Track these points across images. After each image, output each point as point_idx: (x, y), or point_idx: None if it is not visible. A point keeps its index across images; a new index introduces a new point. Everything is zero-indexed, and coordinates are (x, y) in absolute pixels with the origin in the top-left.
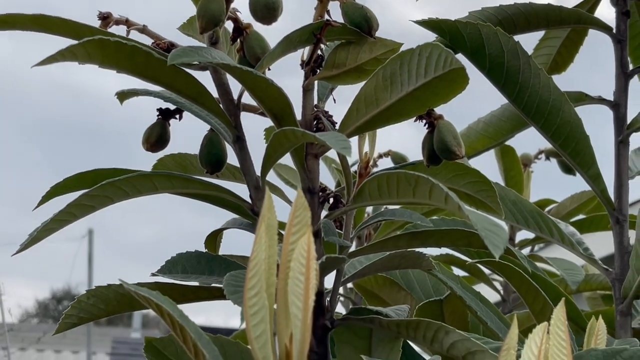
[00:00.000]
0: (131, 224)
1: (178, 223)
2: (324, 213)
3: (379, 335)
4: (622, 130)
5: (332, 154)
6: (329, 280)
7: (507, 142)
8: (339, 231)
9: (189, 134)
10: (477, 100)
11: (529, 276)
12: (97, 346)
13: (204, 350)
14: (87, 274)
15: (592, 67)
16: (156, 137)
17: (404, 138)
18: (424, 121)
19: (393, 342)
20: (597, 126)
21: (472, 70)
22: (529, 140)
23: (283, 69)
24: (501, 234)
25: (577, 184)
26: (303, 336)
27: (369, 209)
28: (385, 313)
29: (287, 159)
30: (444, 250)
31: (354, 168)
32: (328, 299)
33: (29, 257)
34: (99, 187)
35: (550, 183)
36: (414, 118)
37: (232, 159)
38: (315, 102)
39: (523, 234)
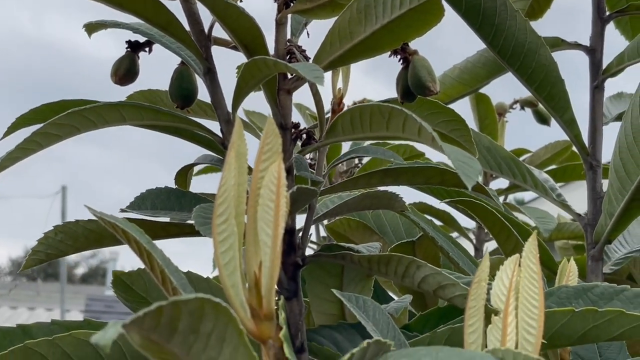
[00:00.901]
0: (105, 183)
1: (153, 184)
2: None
3: (350, 274)
4: (598, 75)
5: (306, 100)
6: (301, 221)
7: (483, 91)
8: (312, 171)
9: (160, 75)
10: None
11: (502, 216)
12: (71, 304)
13: (172, 277)
14: None
15: (569, 15)
16: (125, 70)
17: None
18: (399, 57)
19: (364, 281)
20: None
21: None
22: (504, 91)
23: (255, 5)
24: (474, 166)
25: (552, 136)
26: (272, 264)
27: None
28: (356, 249)
29: (258, 106)
30: (419, 198)
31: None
32: (300, 236)
33: (2, 215)
34: (66, 116)
35: (525, 134)
36: (389, 53)
37: (203, 95)
38: (289, 37)
39: (497, 184)
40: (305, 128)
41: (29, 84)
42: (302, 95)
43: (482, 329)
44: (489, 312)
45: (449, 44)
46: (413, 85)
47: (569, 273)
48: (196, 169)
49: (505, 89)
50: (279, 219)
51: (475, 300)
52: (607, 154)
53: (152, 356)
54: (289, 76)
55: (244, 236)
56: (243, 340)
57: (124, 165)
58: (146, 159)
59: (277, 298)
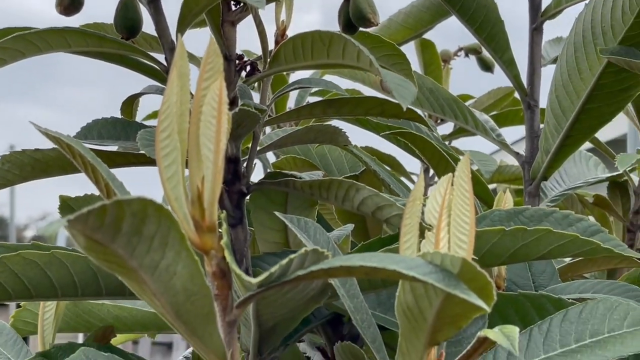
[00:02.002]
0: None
1: None
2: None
3: (294, 203)
4: (537, 18)
5: (252, 47)
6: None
7: (428, 37)
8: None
9: (106, 7)
10: None
11: (439, 146)
12: None
13: (116, 191)
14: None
15: None
16: (69, 0)
17: None
18: None
19: (308, 210)
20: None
21: None
22: (448, 38)
23: None
24: (410, 88)
25: (495, 84)
26: (214, 177)
27: None
28: (299, 177)
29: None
30: (365, 143)
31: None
32: (244, 165)
33: None
34: (11, 39)
35: (469, 82)
36: None
37: (149, 28)
38: None
39: (441, 130)
40: (249, 59)
41: None
42: (246, 31)
43: (417, 245)
44: (423, 229)
45: None
46: (354, 17)
47: (505, 203)
48: (143, 114)
49: (450, 38)
50: (221, 134)
51: (410, 217)
52: (545, 97)
53: (97, 258)
54: (233, 8)
55: (187, 152)
56: (185, 245)
57: (75, 128)
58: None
59: (219, 212)
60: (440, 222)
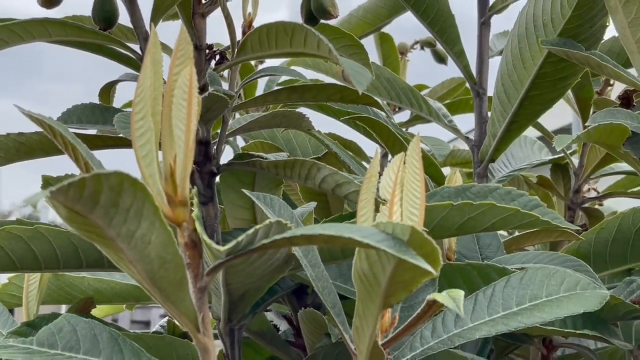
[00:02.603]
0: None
1: None
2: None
3: (261, 183)
4: (485, 12)
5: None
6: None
7: (386, 31)
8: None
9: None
10: None
11: (394, 130)
12: None
13: (95, 168)
14: None
15: None
16: None
17: None
18: None
19: (274, 189)
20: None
21: None
22: (405, 33)
23: None
24: (366, 75)
25: (450, 75)
26: (186, 155)
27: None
28: (265, 157)
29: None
30: (328, 130)
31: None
32: (215, 148)
33: None
34: None
35: (425, 74)
36: None
37: (124, 21)
38: None
39: (398, 118)
40: (218, 49)
41: None
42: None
43: (373, 218)
44: (378, 204)
45: None
46: (315, 10)
47: (454, 182)
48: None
49: (407, 32)
50: (192, 116)
51: (366, 193)
52: (493, 86)
53: (78, 229)
54: (203, 1)
55: (160, 134)
56: (159, 216)
57: (60, 109)
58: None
59: (191, 188)
60: (394, 197)
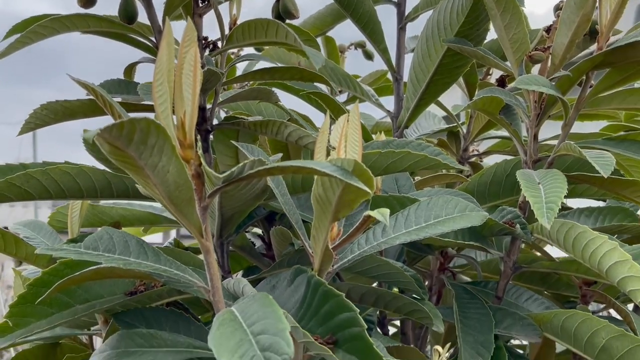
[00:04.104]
0: None
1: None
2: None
3: (243, 138)
4: (402, 21)
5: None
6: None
7: (331, 34)
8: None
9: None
10: None
11: (340, 104)
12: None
13: (125, 118)
14: (33, 152)
15: None
16: None
17: None
18: None
19: (252, 144)
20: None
21: None
22: (344, 36)
23: None
24: (320, 56)
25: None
26: (192, 111)
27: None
28: (246, 119)
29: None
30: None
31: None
32: (209, 112)
33: None
34: (50, 20)
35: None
36: None
37: (141, 17)
38: None
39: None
40: (211, 40)
41: None
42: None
43: (325, 159)
44: (329, 150)
45: (312, 5)
46: (282, 11)
47: (381, 139)
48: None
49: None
50: (196, 82)
51: (321, 142)
52: (407, 73)
53: (116, 160)
54: (200, 4)
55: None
56: (175, 153)
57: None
58: None
59: (196, 137)
60: (340, 145)
